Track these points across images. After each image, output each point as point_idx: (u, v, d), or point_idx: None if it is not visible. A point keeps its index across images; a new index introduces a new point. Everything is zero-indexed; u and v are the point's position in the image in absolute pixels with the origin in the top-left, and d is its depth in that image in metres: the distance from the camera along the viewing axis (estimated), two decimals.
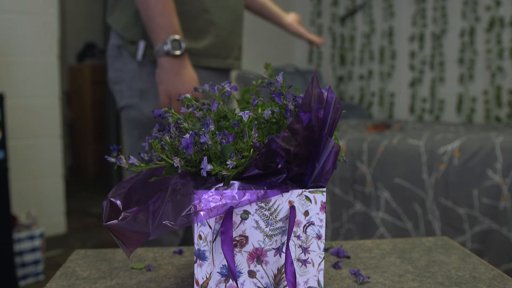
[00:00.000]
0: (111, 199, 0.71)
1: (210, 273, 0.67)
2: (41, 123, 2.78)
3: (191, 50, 1.22)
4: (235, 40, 1.34)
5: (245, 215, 0.67)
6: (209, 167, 0.64)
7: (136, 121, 1.29)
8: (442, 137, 2.28)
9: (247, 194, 0.66)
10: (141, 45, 1.23)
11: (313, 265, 0.70)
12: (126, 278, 0.81)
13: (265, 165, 0.66)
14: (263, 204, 0.67)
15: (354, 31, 4.08)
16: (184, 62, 1.15)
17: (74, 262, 0.89)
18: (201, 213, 0.64)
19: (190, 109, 0.73)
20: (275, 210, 0.68)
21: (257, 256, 0.68)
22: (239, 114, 0.67)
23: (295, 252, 0.69)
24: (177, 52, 1.13)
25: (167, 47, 1.13)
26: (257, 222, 0.67)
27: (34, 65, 2.71)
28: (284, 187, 0.67)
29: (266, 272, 0.69)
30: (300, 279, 0.70)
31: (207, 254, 0.67)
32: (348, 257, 0.91)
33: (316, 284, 0.71)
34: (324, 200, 0.69)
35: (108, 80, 1.37)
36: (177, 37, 1.13)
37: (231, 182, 0.66)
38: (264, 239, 0.68)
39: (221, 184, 0.66)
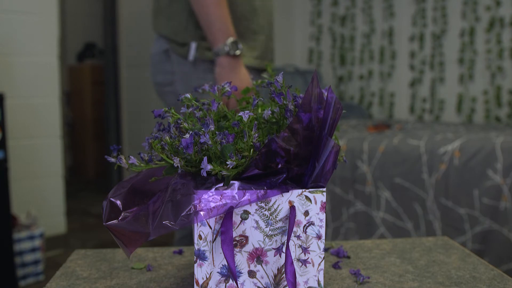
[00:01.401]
0: (111, 199, 0.71)
1: (210, 273, 0.67)
2: (41, 123, 2.78)
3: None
4: (271, 43, 1.48)
5: (245, 215, 0.67)
6: (209, 167, 0.64)
7: None
8: (442, 137, 2.28)
9: (247, 194, 0.66)
10: (193, 46, 1.37)
11: (313, 265, 0.70)
12: (126, 278, 0.81)
13: (265, 165, 0.66)
14: (263, 204, 0.67)
15: (354, 31, 4.08)
16: (240, 62, 1.29)
17: (74, 262, 0.89)
18: (201, 213, 0.64)
19: (190, 109, 0.73)
20: (275, 210, 0.68)
21: (257, 256, 0.68)
22: (239, 114, 0.67)
23: (295, 252, 0.69)
24: (237, 52, 1.27)
25: (227, 48, 1.26)
26: (257, 222, 0.67)
27: (34, 65, 2.71)
28: (284, 187, 0.67)
29: (266, 272, 0.69)
30: (300, 279, 0.70)
31: (207, 254, 0.67)
32: (348, 257, 0.91)
33: (316, 284, 0.71)
34: (324, 200, 0.69)
35: (155, 85, 1.49)
36: (232, 39, 1.27)
37: (231, 182, 0.66)
38: (264, 239, 0.68)
39: (221, 184, 0.66)
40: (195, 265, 0.67)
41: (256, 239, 0.68)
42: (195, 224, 0.66)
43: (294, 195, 0.68)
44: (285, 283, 0.69)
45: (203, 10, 1.28)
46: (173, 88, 1.44)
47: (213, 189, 0.65)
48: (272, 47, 1.50)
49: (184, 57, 1.38)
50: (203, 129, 0.66)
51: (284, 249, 0.68)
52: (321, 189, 0.69)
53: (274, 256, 0.69)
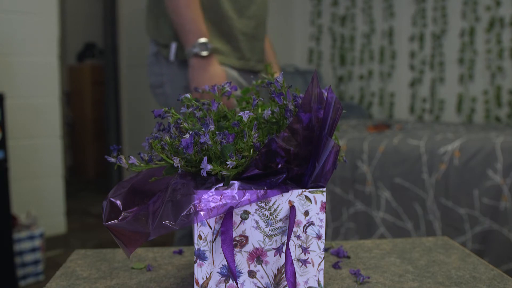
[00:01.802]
0: (111, 199, 0.71)
1: (210, 273, 0.67)
2: (41, 123, 2.78)
3: (220, 50, 1.36)
4: (259, 44, 1.47)
5: (245, 215, 0.67)
6: (209, 167, 0.64)
7: None
8: (442, 137, 2.28)
9: (247, 194, 0.66)
10: (173, 46, 1.38)
11: (313, 265, 0.70)
12: (126, 278, 0.81)
13: (265, 165, 0.66)
14: (263, 204, 0.67)
15: (354, 31, 4.08)
16: (211, 61, 1.29)
17: (74, 262, 0.89)
18: (201, 213, 0.64)
19: (190, 109, 0.73)
20: (275, 210, 0.68)
21: (257, 256, 0.68)
22: (239, 114, 0.67)
23: (295, 252, 0.69)
24: (204, 53, 1.27)
25: (196, 49, 1.27)
26: (257, 222, 0.67)
27: (34, 65, 2.71)
28: (284, 187, 0.67)
29: (266, 272, 0.69)
30: (300, 279, 0.70)
31: (207, 254, 0.67)
32: (348, 257, 0.91)
33: (316, 284, 0.71)
34: (324, 200, 0.69)
35: (150, 87, 1.51)
36: (204, 40, 1.28)
37: (231, 182, 0.66)
38: (264, 239, 0.68)
39: (221, 184, 0.66)
40: (195, 265, 0.67)
41: (256, 239, 0.68)
42: (195, 224, 0.66)
43: (294, 195, 0.68)
44: (285, 283, 0.69)
45: (175, 11, 1.30)
46: (163, 90, 1.45)
47: (213, 189, 0.65)
48: (260, 48, 1.49)
49: (167, 58, 1.40)
50: (203, 129, 0.66)
51: (284, 249, 0.68)
52: (321, 189, 0.69)
53: (274, 256, 0.69)
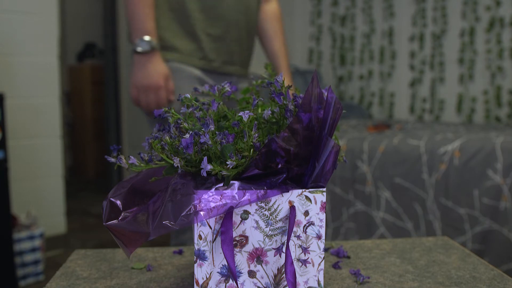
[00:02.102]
0: (111, 199, 0.71)
1: (210, 273, 0.67)
2: (41, 123, 2.78)
3: (180, 49, 1.37)
4: (226, 46, 1.43)
5: (245, 215, 0.67)
6: (209, 167, 0.64)
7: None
8: (442, 137, 2.28)
9: (247, 194, 0.66)
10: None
11: (313, 265, 0.70)
12: (126, 278, 0.81)
13: (265, 165, 0.66)
14: (263, 204, 0.67)
15: (354, 31, 4.08)
16: (150, 59, 1.29)
17: (74, 262, 0.89)
18: (201, 213, 0.64)
19: (190, 109, 0.73)
20: (275, 210, 0.68)
21: (257, 256, 0.68)
22: (239, 114, 0.67)
23: (295, 252, 0.69)
24: (139, 49, 1.28)
25: (135, 46, 1.29)
26: (257, 222, 0.67)
27: (34, 65, 2.71)
28: (284, 187, 0.67)
29: (266, 272, 0.69)
30: (300, 279, 0.70)
31: (207, 254, 0.67)
32: (348, 257, 0.91)
33: (316, 284, 0.71)
34: (324, 200, 0.69)
35: None
36: (146, 38, 1.28)
37: (231, 182, 0.66)
38: (264, 239, 0.68)
39: (221, 184, 0.66)
40: (195, 265, 0.67)
41: (256, 239, 0.68)
42: (195, 224, 0.66)
43: (294, 195, 0.68)
44: (285, 283, 0.69)
45: (126, 8, 1.33)
46: None
47: (213, 189, 0.65)
48: (230, 50, 1.45)
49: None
50: (203, 129, 0.66)
51: (284, 249, 0.68)
52: (321, 189, 0.69)
53: (274, 256, 0.69)
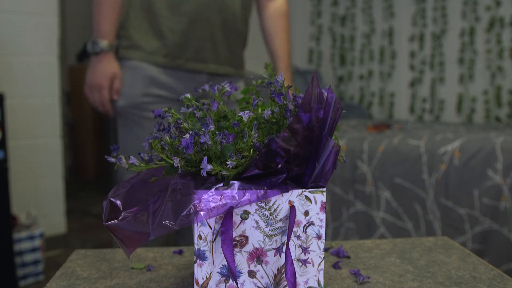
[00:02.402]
0: (111, 199, 0.71)
1: (210, 273, 0.67)
2: (41, 123, 2.78)
3: (144, 48, 1.40)
4: (193, 42, 1.42)
5: (245, 215, 0.67)
6: (209, 167, 0.64)
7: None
8: (442, 137, 2.28)
9: (247, 194, 0.66)
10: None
11: (313, 265, 0.70)
12: (126, 278, 0.81)
13: (265, 165, 0.66)
14: (263, 204, 0.67)
15: (354, 31, 4.08)
16: (100, 60, 1.38)
17: (74, 262, 0.89)
18: (201, 213, 0.64)
19: (190, 109, 0.73)
20: (275, 210, 0.68)
21: (257, 256, 0.68)
22: (239, 114, 0.67)
23: (295, 252, 0.69)
24: (89, 50, 1.38)
25: (88, 47, 1.40)
26: (257, 222, 0.67)
27: (34, 65, 2.71)
28: (284, 187, 0.67)
29: (266, 272, 0.69)
30: (300, 279, 0.70)
31: (207, 254, 0.67)
32: (348, 257, 0.91)
33: (316, 284, 0.71)
34: (324, 200, 0.69)
35: None
36: (98, 40, 1.38)
37: (231, 182, 0.66)
38: (264, 239, 0.68)
39: (221, 184, 0.66)
40: (195, 265, 0.67)
41: (256, 239, 0.68)
42: (195, 224, 0.66)
43: (294, 195, 0.68)
44: (285, 283, 0.69)
45: (92, 9, 1.43)
46: None
47: (213, 189, 0.65)
48: (197, 47, 1.44)
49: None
50: (203, 129, 0.66)
51: (284, 249, 0.68)
52: (321, 189, 0.69)
53: (274, 256, 0.69)
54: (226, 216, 0.65)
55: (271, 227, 0.68)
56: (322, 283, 0.71)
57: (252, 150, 0.66)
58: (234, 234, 0.67)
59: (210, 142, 0.65)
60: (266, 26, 1.57)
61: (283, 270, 0.69)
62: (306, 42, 4.35)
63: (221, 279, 0.68)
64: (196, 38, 1.42)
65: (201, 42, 1.43)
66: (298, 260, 0.70)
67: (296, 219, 0.68)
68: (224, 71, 1.48)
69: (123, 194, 0.73)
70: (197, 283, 0.67)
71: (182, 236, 1.55)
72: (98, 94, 1.38)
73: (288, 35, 1.58)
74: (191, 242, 1.46)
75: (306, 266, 0.70)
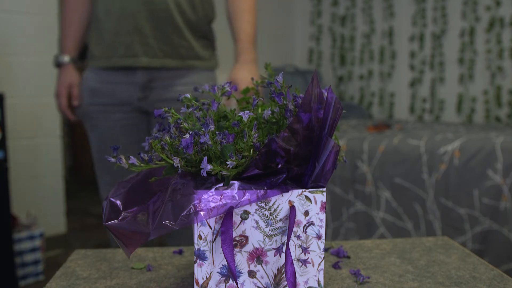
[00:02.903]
0: (111, 199, 0.71)
1: (210, 273, 0.67)
2: (41, 123, 2.78)
3: (93, 55, 1.52)
4: (120, 39, 1.45)
5: (245, 215, 0.67)
6: (209, 167, 0.64)
7: None
8: (442, 137, 2.28)
9: (247, 194, 0.66)
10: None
11: (313, 265, 0.70)
12: (126, 278, 0.81)
13: (265, 165, 0.66)
14: (263, 204, 0.67)
15: (354, 31, 4.08)
16: (61, 71, 1.56)
17: (74, 262, 0.89)
18: (201, 213, 0.64)
19: (190, 109, 0.73)
20: (275, 210, 0.68)
21: (257, 256, 0.68)
22: (239, 114, 0.67)
23: (295, 252, 0.69)
24: (54, 63, 1.58)
25: (53, 61, 1.59)
26: (257, 222, 0.67)
27: (34, 65, 2.70)
28: (284, 187, 0.67)
29: (266, 272, 0.69)
30: (300, 279, 0.70)
31: (207, 254, 0.67)
32: (348, 257, 0.91)
33: (316, 284, 0.71)
34: (324, 200, 0.69)
35: None
36: (62, 54, 1.58)
37: (231, 182, 0.66)
38: (264, 239, 0.68)
39: (221, 184, 0.66)
40: (195, 265, 0.67)
41: (256, 239, 0.68)
42: (195, 224, 0.66)
43: (294, 195, 0.68)
44: (285, 283, 0.69)
45: None
46: None
47: (213, 189, 0.65)
48: (123, 42, 1.45)
49: None
50: (203, 129, 0.66)
51: (284, 249, 0.68)
52: (321, 189, 0.69)
53: (274, 256, 0.69)
54: (226, 216, 0.65)
55: (271, 227, 0.68)
56: (322, 283, 0.71)
57: (252, 150, 0.66)
58: (234, 234, 0.67)
59: (210, 142, 0.65)
60: (227, 8, 1.53)
61: (283, 270, 0.69)
62: (306, 42, 4.35)
63: (221, 279, 0.68)
64: (125, 34, 1.44)
65: (129, 37, 1.44)
66: (298, 260, 0.70)
67: (296, 219, 0.68)
68: (160, 64, 1.46)
69: (123, 194, 0.73)
70: (197, 283, 0.67)
71: (172, 237, 1.53)
72: (58, 101, 1.55)
73: (250, 16, 1.50)
74: (182, 243, 1.46)
75: (306, 266, 0.70)
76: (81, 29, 1.57)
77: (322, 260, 0.70)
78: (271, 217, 0.68)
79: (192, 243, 1.46)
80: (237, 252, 0.67)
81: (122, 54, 1.44)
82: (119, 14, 1.43)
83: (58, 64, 1.57)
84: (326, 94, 0.69)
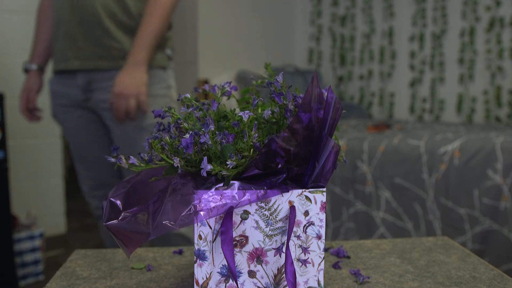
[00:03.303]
0: (111, 199, 0.71)
1: (210, 273, 0.67)
2: (41, 123, 2.76)
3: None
4: (57, 45, 1.58)
5: (245, 215, 0.67)
6: (209, 167, 0.64)
7: None
8: (442, 137, 2.28)
9: (247, 194, 0.66)
10: None
11: (313, 265, 0.70)
12: (126, 278, 0.81)
13: (265, 165, 0.66)
14: (263, 204, 0.67)
15: (354, 31, 4.08)
16: (28, 76, 1.68)
17: (74, 262, 0.89)
18: (201, 213, 0.64)
19: (190, 109, 0.73)
20: (275, 210, 0.68)
21: (257, 256, 0.68)
22: (239, 114, 0.67)
23: (295, 252, 0.69)
24: (23, 70, 1.70)
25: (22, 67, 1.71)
26: (257, 222, 0.67)
27: None
28: (284, 187, 0.67)
29: (266, 272, 0.69)
30: (300, 279, 0.70)
31: (207, 254, 0.67)
32: (348, 257, 0.91)
33: (316, 284, 0.71)
34: (324, 200, 0.69)
35: None
36: (29, 61, 1.69)
37: (231, 182, 0.66)
38: (264, 239, 0.68)
39: (221, 184, 0.66)
40: (195, 265, 0.67)
41: (256, 239, 0.68)
42: (195, 224, 0.66)
43: (294, 195, 0.68)
44: (285, 283, 0.69)
45: None
46: None
47: (213, 189, 0.65)
48: (57, 48, 1.59)
49: None
50: (203, 129, 0.66)
51: (284, 249, 0.68)
52: (321, 189, 0.69)
53: (274, 256, 0.69)
54: (226, 216, 0.65)
55: (271, 227, 0.68)
56: (322, 283, 0.71)
57: (252, 150, 0.66)
58: (234, 234, 0.67)
59: (210, 142, 0.65)
60: None
61: (283, 270, 0.69)
62: (306, 42, 4.35)
63: (221, 279, 0.68)
64: (61, 39, 1.55)
65: (63, 43, 1.55)
66: (298, 260, 0.70)
67: (296, 219, 0.68)
68: (93, 66, 1.51)
69: (123, 194, 0.73)
70: (197, 283, 0.67)
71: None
72: (19, 103, 1.70)
73: (151, 18, 1.46)
74: (165, 244, 1.54)
75: (306, 266, 0.70)
76: (49, 38, 1.66)
77: (322, 260, 0.70)
78: (271, 217, 0.68)
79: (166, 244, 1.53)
80: (237, 252, 0.67)
81: (59, 59, 1.58)
82: (56, 22, 1.57)
83: (25, 70, 1.70)
84: (326, 94, 0.69)
